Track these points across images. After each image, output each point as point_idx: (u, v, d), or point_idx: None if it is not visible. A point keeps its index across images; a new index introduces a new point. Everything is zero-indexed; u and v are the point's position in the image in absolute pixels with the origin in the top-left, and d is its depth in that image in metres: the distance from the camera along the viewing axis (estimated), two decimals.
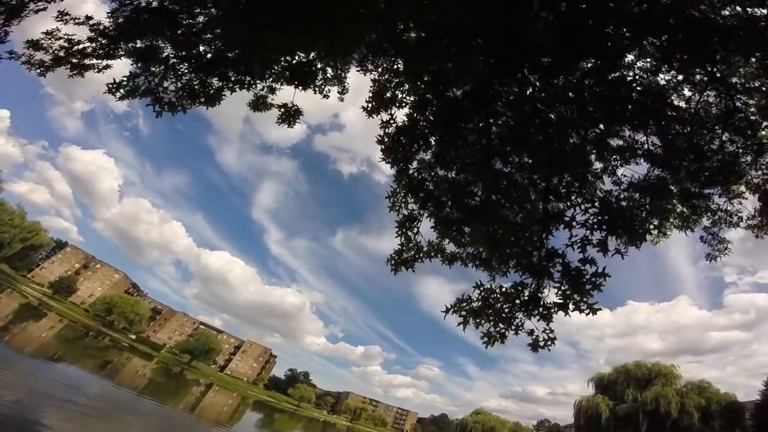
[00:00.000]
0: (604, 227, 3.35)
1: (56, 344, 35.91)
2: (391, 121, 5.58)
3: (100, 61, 7.37)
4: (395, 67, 5.64)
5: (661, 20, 5.06)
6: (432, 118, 4.74)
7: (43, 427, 11.98)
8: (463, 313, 3.54)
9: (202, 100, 6.11)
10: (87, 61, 7.33)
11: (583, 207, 3.45)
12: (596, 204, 3.46)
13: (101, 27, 7.00)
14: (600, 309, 3.19)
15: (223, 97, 6.18)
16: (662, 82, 6.44)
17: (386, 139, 4.96)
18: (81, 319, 72.55)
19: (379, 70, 6.33)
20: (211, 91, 6.08)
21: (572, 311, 3.31)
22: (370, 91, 6.20)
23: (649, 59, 6.04)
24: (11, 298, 50.60)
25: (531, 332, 3.57)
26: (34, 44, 6.99)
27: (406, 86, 5.46)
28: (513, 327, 3.60)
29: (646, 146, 6.04)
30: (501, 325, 3.60)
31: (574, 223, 3.42)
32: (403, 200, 4.82)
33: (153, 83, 6.11)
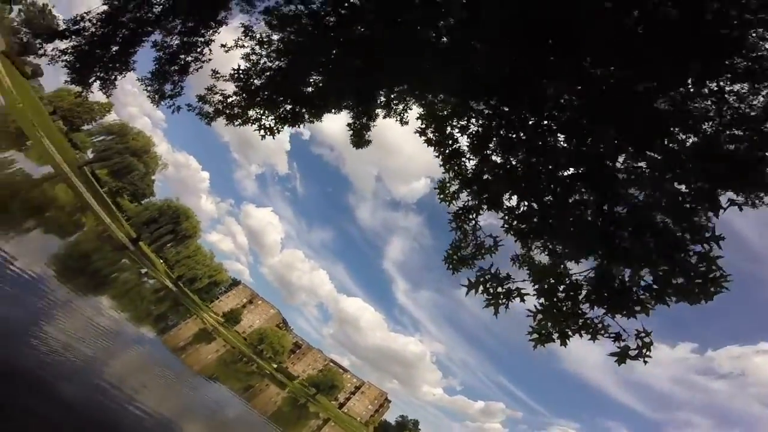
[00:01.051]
0: (712, 177, 2.26)
1: (216, 365, 43.03)
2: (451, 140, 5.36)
3: (242, 111, 9.35)
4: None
5: None
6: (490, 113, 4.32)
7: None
8: (490, 290, 2.75)
9: (289, 123, 7.20)
10: (234, 111, 9.37)
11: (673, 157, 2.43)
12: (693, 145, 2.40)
13: (242, 84, 8.93)
14: (720, 291, 2.06)
15: (300, 123, 7.24)
16: None
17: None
18: (239, 346, 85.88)
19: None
20: (295, 116, 7.13)
21: (675, 302, 2.24)
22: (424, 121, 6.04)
23: None
24: (194, 323, 63.64)
25: (617, 336, 2.54)
26: (202, 98, 9.26)
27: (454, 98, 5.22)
28: (590, 328, 2.63)
29: None
30: (565, 323, 2.67)
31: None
32: (456, 192, 4.35)
33: (259, 114, 7.44)
